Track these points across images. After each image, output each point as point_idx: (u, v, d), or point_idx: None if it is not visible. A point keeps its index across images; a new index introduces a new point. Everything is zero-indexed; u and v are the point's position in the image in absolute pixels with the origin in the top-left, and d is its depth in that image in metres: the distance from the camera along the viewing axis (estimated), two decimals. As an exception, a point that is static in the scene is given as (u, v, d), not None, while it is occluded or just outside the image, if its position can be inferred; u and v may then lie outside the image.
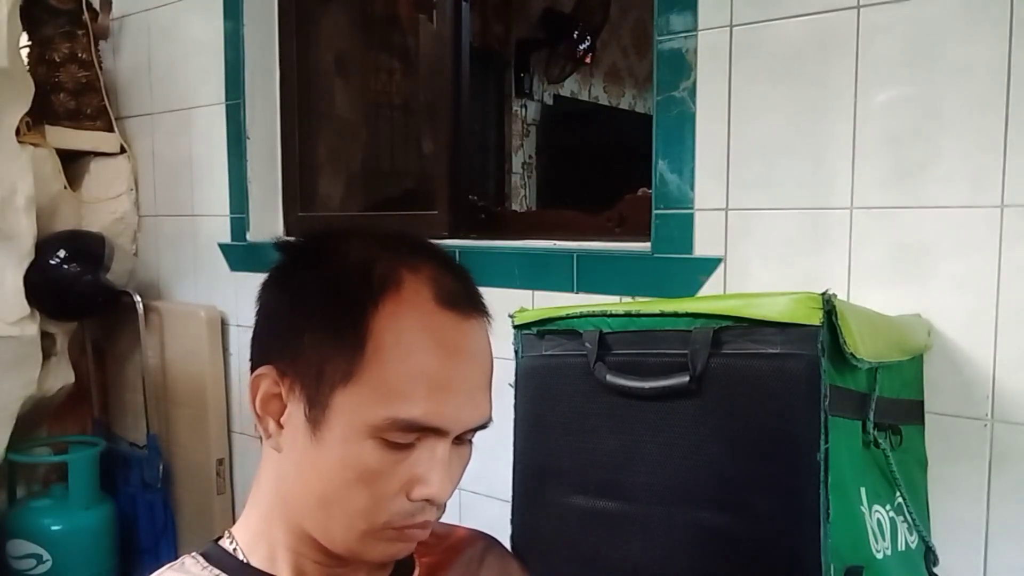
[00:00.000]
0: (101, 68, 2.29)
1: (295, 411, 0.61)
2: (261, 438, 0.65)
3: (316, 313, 0.61)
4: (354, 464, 0.59)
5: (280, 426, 0.63)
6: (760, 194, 1.27)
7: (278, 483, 0.65)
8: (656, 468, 0.90)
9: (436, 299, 0.61)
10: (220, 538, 0.68)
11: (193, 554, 0.67)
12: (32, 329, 2.00)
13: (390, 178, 2.36)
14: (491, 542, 0.82)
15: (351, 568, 0.67)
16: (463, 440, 0.64)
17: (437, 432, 0.61)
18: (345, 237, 0.66)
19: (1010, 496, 1.09)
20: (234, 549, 0.66)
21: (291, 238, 0.68)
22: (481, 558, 0.78)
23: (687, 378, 0.87)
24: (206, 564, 0.65)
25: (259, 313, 0.66)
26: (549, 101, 3.56)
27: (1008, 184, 1.07)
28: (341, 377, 0.59)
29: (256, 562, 0.65)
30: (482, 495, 1.53)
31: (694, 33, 1.31)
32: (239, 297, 2.13)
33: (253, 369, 0.64)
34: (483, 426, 0.65)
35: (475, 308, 0.65)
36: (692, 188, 1.33)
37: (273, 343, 0.64)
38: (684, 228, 1.34)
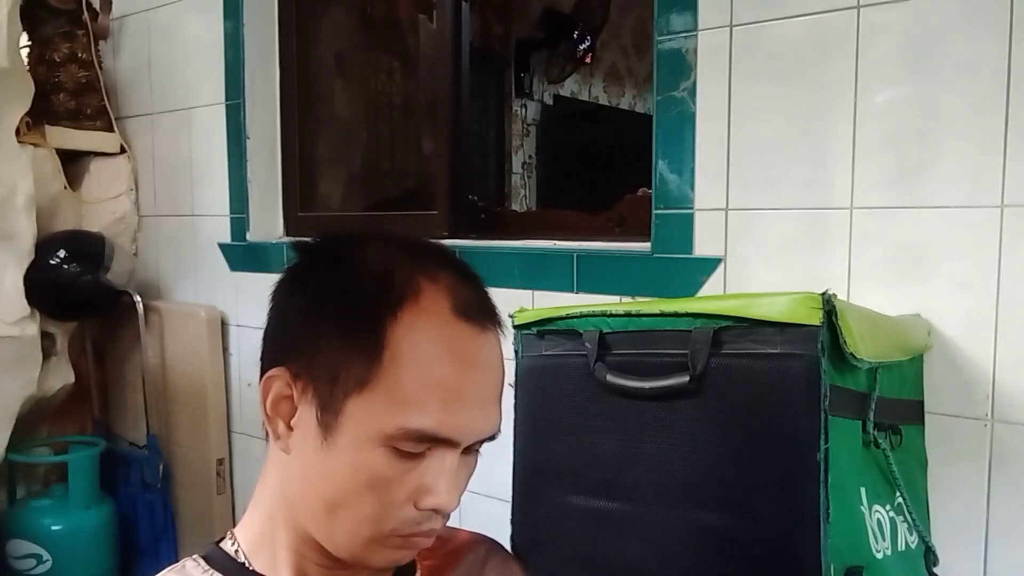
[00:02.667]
0: (101, 68, 2.29)
1: (306, 414, 0.61)
2: (267, 438, 0.65)
3: (333, 318, 0.61)
4: (364, 471, 0.59)
5: (290, 428, 0.63)
6: (760, 194, 1.27)
7: (284, 485, 0.65)
8: (656, 468, 0.90)
9: (453, 309, 0.61)
10: (222, 539, 0.68)
11: (194, 557, 0.67)
12: (32, 329, 2.00)
13: (390, 178, 2.36)
14: (493, 546, 0.82)
15: (353, 571, 0.67)
16: (470, 450, 0.64)
17: (448, 443, 0.61)
18: (363, 242, 0.66)
19: (1010, 496, 1.09)
20: (236, 551, 0.66)
21: (308, 239, 0.68)
22: (483, 562, 0.78)
23: (687, 378, 0.87)
24: (207, 567, 0.65)
25: (272, 313, 0.66)
26: (549, 101, 3.56)
27: (1008, 184, 1.07)
28: (356, 384, 0.59)
29: (258, 564, 0.65)
30: (482, 495, 1.53)
31: (694, 33, 1.31)
32: (239, 297, 2.13)
33: (264, 369, 0.64)
34: (492, 438, 0.65)
35: (490, 319, 0.65)
36: (692, 188, 1.33)
37: (286, 345, 0.64)
38: (684, 228, 1.34)
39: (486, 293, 0.66)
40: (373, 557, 0.63)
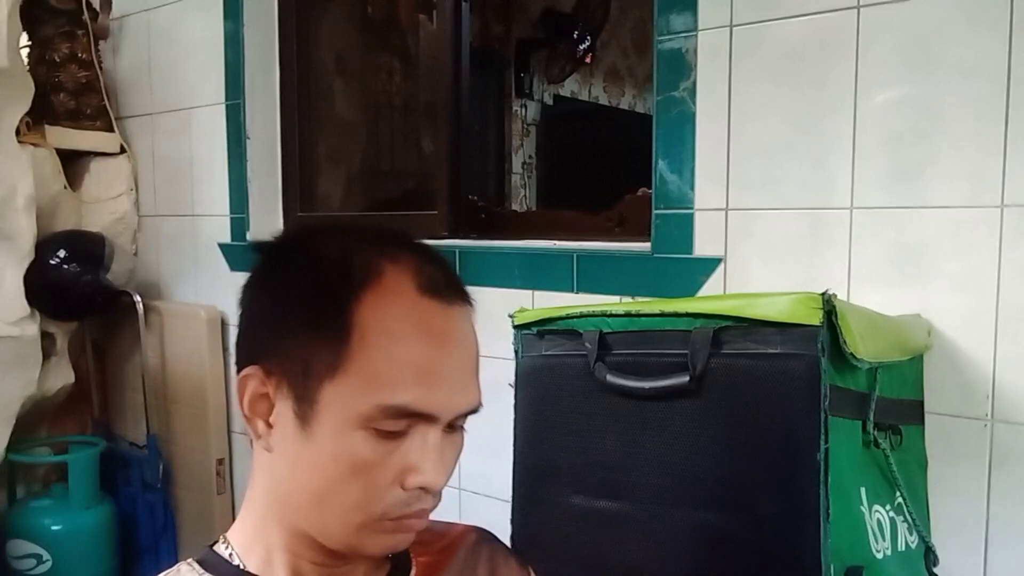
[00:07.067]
0: (101, 68, 2.29)
1: (283, 409, 0.61)
2: (252, 440, 0.65)
3: (298, 309, 0.61)
4: (346, 457, 0.59)
5: (269, 426, 0.63)
6: (760, 194, 1.27)
7: (271, 483, 0.65)
8: (656, 468, 0.90)
9: (418, 287, 0.61)
10: (215, 543, 0.68)
11: (189, 560, 0.66)
12: (32, 329, 2.00)
13: (390, 178, 2.36)
14: (483, 534, 0.81)
15: (349, 568, 0.66)
16: (454, 427, 0.64)
17: (427, 419, 0.60)
18: (323, 234, 0.66)
19: (1010, 496, 1.09)
20: (230, 554, 0.66)
21: (268, 239, 0.68)
22: (476, 553, 0.78)
23: (687, 378, 0.87)
24: (202, 571, 0.65)
25: (241, 317, 0.66)
26: (549, 101, 3.56)
27: (1008, 184, 1.07)
28: (327, 370, 0.59)
29: (252, 566, 0.65)
30: (482, 495, 1.53)
31: (694, 33, 1.31)
32: (239, 297, 2.13)
33: (240, 372, 0.64)
34: (473, 411, 0.64)
35: (458, 295, 0.64)
36: (692, 188, 1.33)
37: (257, 343, 0.64)
38: (684, 228, 1.34)
39: (451, 271, 0.66)
40: (367, 544, 0.62)
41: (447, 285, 0.63)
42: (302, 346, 0.60)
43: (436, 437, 0.61)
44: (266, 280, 0.65)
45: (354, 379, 0.59)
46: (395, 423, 0.59)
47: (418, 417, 0.60)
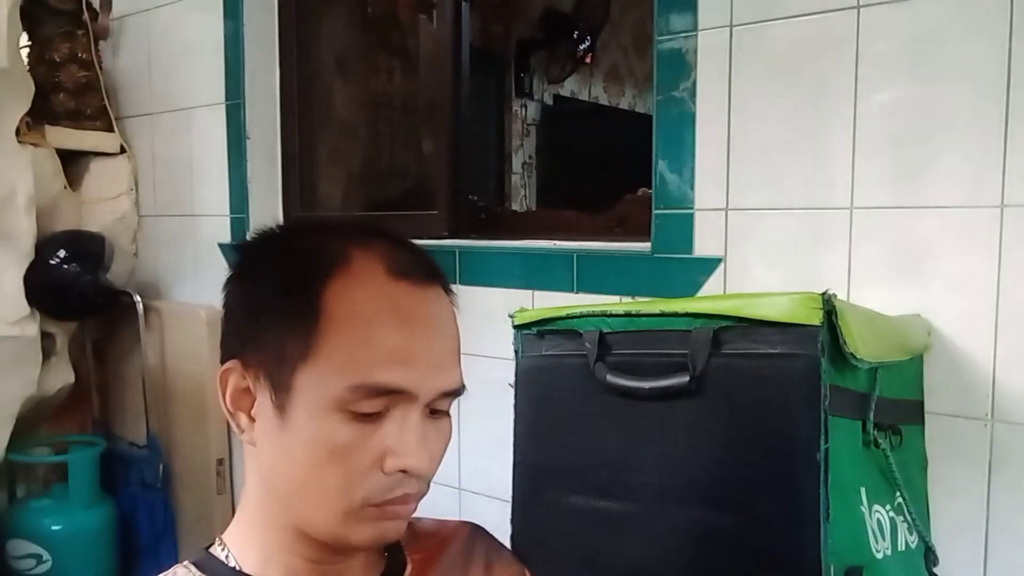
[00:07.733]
0: (101, 68, 2.30)
1: (263, 400, 0.62)
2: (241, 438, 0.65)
3: (271, 300, 0.62)
4: (323, 442, 0.59)
5: (252, 419, 0.63)
6: (760, 194, 1.27)
7: (260, 480, 0.65)
8: (656, 468, 0.90)
9: (387, 271, 0.62)
10: (211, 545, 0.68)
11: (185, 563, 0.66)
12: (32, 329, 2.00)
13: (390, 178, 2.36)
14: (476, 529, 0.80)
15: (344, 565, 0.66)
16: (438, 413, 0.63)
17: (405, 397, 0.60)
18: (295, 229, 0.68)
19: (1010, 496, 1.09)
20: (226, 556, 0.66)
21: (247, 239, 0.70)
22: (470, 548, 0.78)
23: (687, 378, 0.87)
24: (199, 573, 0.65)
25: (223, 316, 0.67)
26: (549, 101, 3.56)
27: (1008, 184, 1.07)
28: (299, 356, 0.59)
29: (248, 567, 0.65)
30: (482, 495, 1.53)
31: (694, 33, 1.31)
32: (239, 297, 2.13)
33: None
34: (454, 393, 0.64)
35: (430, 277, 0.64)
36: (692, 188, 1.33)
37: (236, 338, 0.64)
38: (684, 228, 1.34)
39: (426, 255, 0.66)
40: (354, 534, 0.61)
41: (418, 268, 0.64)
42: (276, 335, 0.61)
43: (416, 418, 0.60)
44: (243, 277, 0.66)
45: (325, 362, 0.59)
46: (371, 403, 0.59)
47: (394, 395, 0.59)
